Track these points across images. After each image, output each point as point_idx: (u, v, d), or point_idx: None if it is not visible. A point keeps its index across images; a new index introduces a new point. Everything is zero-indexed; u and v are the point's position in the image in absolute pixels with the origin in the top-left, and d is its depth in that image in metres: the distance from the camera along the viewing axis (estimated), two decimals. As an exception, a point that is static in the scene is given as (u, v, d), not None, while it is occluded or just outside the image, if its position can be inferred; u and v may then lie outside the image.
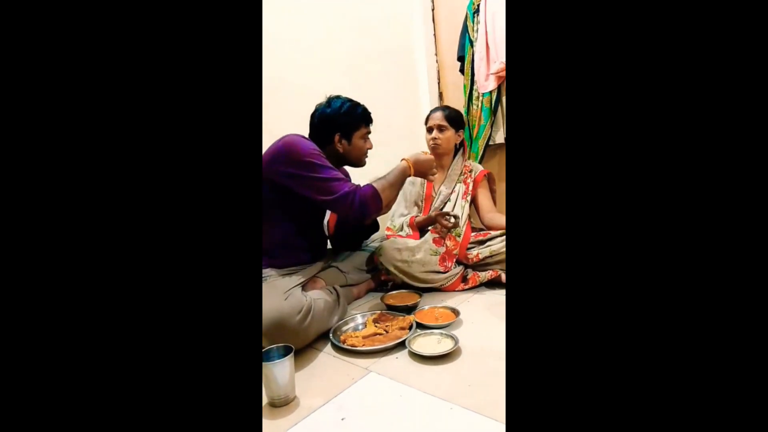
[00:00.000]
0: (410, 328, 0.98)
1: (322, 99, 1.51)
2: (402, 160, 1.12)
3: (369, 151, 1.20)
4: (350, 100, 1.16)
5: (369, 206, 1.00)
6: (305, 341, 0.94)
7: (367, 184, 1.04)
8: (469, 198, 1.48)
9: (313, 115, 1.16)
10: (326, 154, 1.08)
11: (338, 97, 1.16)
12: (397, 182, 1.08)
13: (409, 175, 1.11)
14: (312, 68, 1.53)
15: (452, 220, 1.32)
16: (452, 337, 0.90)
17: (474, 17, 1.83)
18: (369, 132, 1.19)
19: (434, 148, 1.47)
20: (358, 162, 1.20)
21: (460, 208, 1.46)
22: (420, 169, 1.12)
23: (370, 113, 1.18)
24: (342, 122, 1.13)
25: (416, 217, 1.45)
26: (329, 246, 1.37)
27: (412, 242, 1.28)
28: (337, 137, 1.13)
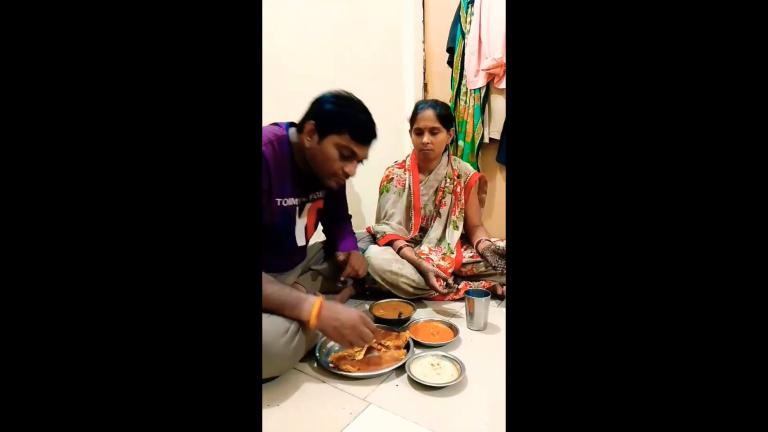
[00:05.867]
0: (406, 346, 0.90)
1: (302, 81, 1.35)
2: (315, 300, 0.79)
3: (345, 176, 0.92)
4: (362, 106, 0.91)
5: None
6: (289, 367, 0.82)
7: None
8: (460, 213, 1.33)
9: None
10: (294, 146, 0.91)
11: (354, 97, 0.92)
12: (275, 304, 0.77)
13: (302, 321, 0.79)
14: (295, 49, 1.34)
15: (446, 289, 1.13)
16: (455, 361, 0.83)
17: (468, 8, 1.73)
18: (352, 151, 0.88)
19: (426, 154, 1.27)
20: (322, 175, 0.90)
21: (452, 227, 1.30)
22: (322, 327, 0.79)
23: (370, 130, 0.90)
24: (323, 111, 0.87)
25: (406, 246, 1.22)
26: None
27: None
28: (309, 126, 0.87)
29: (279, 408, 0.72)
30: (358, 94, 0.94)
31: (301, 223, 0.99)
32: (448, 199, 1.32)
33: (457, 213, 1.32)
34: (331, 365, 0.83)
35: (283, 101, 1.26)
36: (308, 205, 1.00)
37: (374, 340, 0.88)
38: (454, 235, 1.30)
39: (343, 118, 0.87)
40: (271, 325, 0.76)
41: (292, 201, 0.93)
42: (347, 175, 0.91)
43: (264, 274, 0.79)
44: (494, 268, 1.14)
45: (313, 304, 0.78)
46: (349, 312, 0.81)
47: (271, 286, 0.79)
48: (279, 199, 0.89)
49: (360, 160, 0.92)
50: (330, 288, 1.19)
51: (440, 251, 1.29)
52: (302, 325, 0.82)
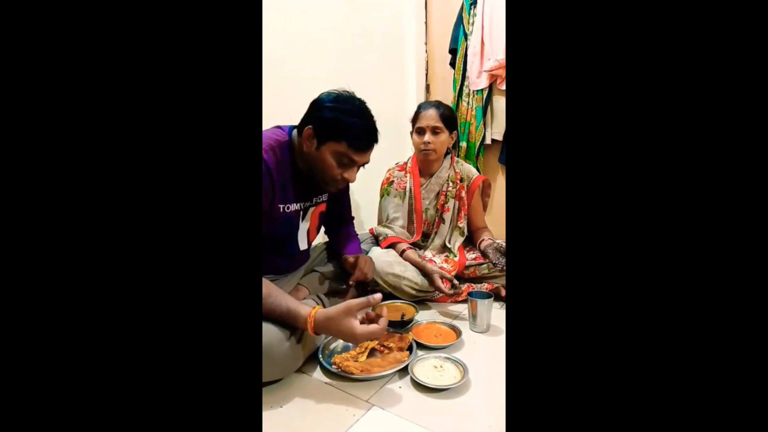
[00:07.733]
0: (409, 348, 0.90)
1: (303, 82, 1.35)
2: (312, 310, 0.77)
3: (344, 182, 0.90)
4: (361, 109, 0.87)
5: None
6: (292, 370, 0.82)
7: None
8: (465, 219, 1.31)
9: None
10: (297, 148, 0.90)
11: (355, 98, 0.89)
12: (275, 313, 0.77)
13: (304, 329, 0.79)
14: (296, 51, 1.35)
15: (452, 290, 1.12)
16: (458, 363, 0.83)
17: (470, 9, 1.73)
18: (352, 159, 0.86)
19: (426, 155, 1.24)
20: (321, 181, 0.89)
21: (458, 233, 1.29)
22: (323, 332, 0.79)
23: (369, 138, 0.87)
24: (322, 117, 0.84)
25: (409, 248, 1.21)
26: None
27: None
28: (308, 131, 0.85)
29: (282, 410, 0.72)
30: (360, 96, 0.93)
31: (303, 227, 0.99)
32: (451, 203, 1.30)
33: (462, 219, 1.31)
34: (334, 367, 0.83)
35: (285, 103, 1.26)
36: (312, 209, 1.00)
37: (376, 342, 0.90)
38: (458, 241, 1.30)
39: (341, 127, 0.84)
40: (275, 328, 0.76)
41: (294, 206, 0.93)
42: (347, 181, 0.90)
43: (264, 281, 0.78)
44: (494, 265, 1.14)
45: (307, 319, 0.76)
46: (338, 316, 0.75)
47: (270, 299, 0.77)
48: (282, 205, 0.89)
49: (360, 166, 0.92)
50: (334, 289, 1.19)
51: (443, 255, 1.29)
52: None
